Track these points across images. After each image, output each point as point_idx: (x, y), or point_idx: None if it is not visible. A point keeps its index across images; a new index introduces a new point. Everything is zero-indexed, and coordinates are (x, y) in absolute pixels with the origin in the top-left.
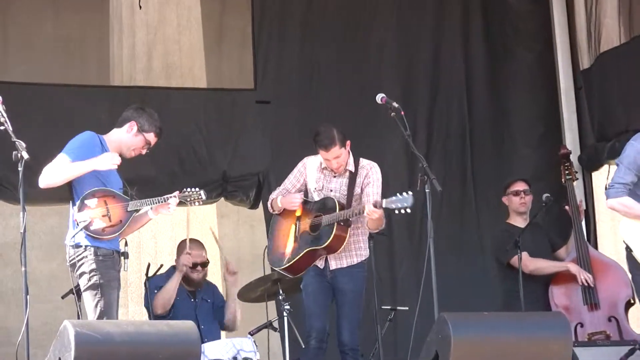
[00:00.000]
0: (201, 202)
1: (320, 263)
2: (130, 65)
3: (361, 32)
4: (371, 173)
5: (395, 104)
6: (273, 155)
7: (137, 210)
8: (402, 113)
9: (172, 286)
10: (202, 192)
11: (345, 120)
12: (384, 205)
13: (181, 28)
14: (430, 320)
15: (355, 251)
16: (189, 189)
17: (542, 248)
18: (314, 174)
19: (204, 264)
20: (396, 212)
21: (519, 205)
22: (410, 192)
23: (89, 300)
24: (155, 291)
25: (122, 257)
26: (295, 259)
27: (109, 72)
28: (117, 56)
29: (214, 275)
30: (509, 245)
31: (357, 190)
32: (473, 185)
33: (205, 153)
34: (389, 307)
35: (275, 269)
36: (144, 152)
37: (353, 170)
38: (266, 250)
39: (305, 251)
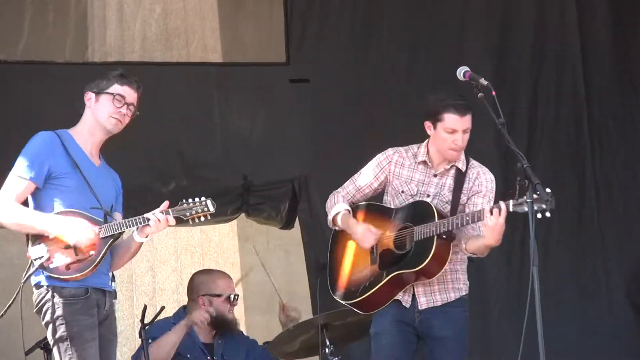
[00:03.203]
0: (209, 217)
1: (405, 299)
2: (116, 32)
3: None
4: (484, 180)
5: (483, 81)
6: (313, 154)
7: (114, 237)
8: (494, 93)
9: (172, 339)
10: (208, 201)
11: (412, 103)
12: (511, 209)
13: None
14: None
15: (452, 283)
16: (188, 200)
17: None
18: (404, 172)
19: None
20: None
21: None
22: (548, 189)
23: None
24: (150, 341)
25: (106, 297)
26: (375, 288)
27: (87, 43)
28: (97, 20)
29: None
30: None
31: (463, 198)
32: (595, 192)
33: (220, 152)
34: None
35: (343, 302)
36: (129, 112)
37: (464, 169)
38: (326, 274)
39: (390, 276)
